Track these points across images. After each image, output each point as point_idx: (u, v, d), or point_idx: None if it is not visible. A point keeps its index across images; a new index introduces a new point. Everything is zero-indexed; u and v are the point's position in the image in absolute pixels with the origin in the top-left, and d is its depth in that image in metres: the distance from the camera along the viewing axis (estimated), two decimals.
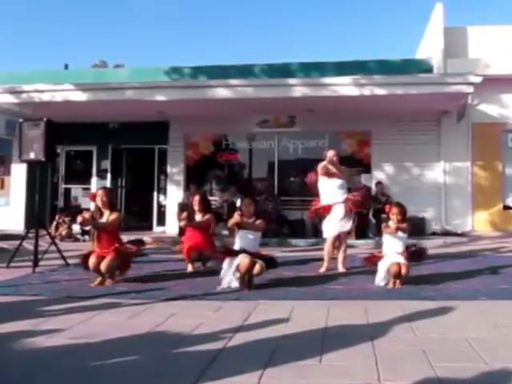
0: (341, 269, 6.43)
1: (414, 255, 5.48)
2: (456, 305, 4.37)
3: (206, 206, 6.84)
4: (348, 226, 6.51)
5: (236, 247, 5.36)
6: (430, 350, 3.10)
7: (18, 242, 6.99)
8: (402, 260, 5.24)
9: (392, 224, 5.36)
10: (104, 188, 6.30)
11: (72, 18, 48.71)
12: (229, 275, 5.20)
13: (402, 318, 3.97)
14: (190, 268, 6.55)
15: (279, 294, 4.96)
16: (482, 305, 4.44)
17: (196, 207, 6.74)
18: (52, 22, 48.52)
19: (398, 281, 5.22)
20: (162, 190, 13.31)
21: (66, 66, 16.72)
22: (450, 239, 10.48)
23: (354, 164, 11.44)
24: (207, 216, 6.70)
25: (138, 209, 13.58)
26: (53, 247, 6.99)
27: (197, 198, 6.83)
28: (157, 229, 12.87)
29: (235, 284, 5.20)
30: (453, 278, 5.68)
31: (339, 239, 6.53)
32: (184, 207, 8.01)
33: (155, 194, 13.27)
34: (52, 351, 3.22)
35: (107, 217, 5.71)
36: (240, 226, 5.33)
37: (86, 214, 5.72)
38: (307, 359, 2.99)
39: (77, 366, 2.96)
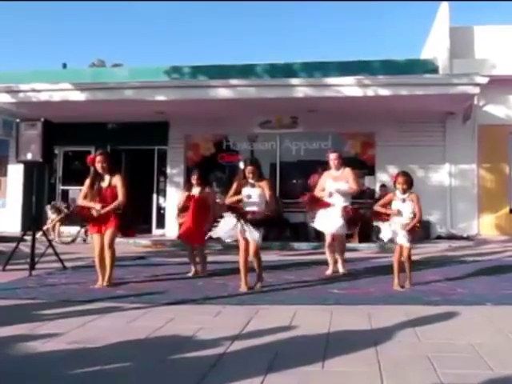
0: (341, 270, 6.39)
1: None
2: (461, 310, 4.32)
3: (203, 180, 6.85)
4: (337, 230, 6.32)
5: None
6: (435, 356, 3.06)
7: (14, 245, 6.91)
8: (404, 242, 5.29)
9: (399, 193, 5.36)
10: (102, 153, 6.00)
11: (69, 16, 48.72)
12: (226, 228, 5.49)
13: (405, 323, 3.92)
14: (192, 270, 6.55)
15: (281, 299, 4.90)
16: (488, 310, 4.40)
17: (194, 181, 6.72)
18: (49, 21, 48.56)
19: (407, 281, 5.37)
20: (162, 192, 13.19)
21: (65, 66, 16.62)
22: (455, 243, 10.38)
23: (357, 166, 11.35)
24: (207, 189, 6.71)
25: (137, 211, 13.45)
26: (50, 250, 6.92)
27: (195, 172, 6.86)
28: (156, 231, 12.78)
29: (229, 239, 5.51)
30: (457, 283, 5.64)
31: (335, 241, 6.44)
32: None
33: (154, 195, 13.17)
34: (49, 356, 3.17)
35: (108, 180, 5.71)
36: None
37: (98, 206, 5.62)
38: (309, 365, 2.95)
39: (74, 371, 2.91)
